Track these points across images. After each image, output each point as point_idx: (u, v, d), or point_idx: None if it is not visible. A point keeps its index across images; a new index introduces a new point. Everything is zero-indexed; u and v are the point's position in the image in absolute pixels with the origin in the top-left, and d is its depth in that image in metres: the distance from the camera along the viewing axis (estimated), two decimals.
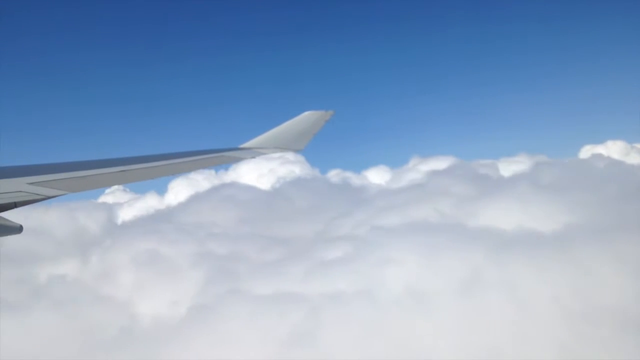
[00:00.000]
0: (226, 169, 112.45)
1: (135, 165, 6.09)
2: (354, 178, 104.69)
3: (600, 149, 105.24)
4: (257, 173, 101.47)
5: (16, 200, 4.12)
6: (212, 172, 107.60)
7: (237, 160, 7.62)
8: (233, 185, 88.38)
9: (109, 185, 5.28)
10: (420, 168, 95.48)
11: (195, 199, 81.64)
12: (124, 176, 5.60)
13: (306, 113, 10.08)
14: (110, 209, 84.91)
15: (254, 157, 7.97)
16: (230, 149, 8.12)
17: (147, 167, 6.17)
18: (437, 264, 41.76)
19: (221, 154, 7.57)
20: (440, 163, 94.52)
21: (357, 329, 35.42)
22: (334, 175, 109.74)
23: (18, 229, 3.89)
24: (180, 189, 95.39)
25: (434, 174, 79.89)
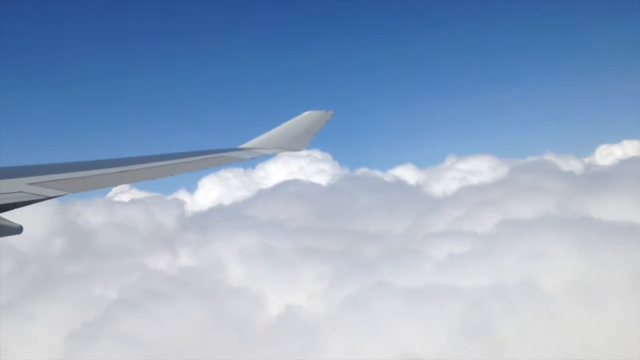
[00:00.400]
0: (253, 167, 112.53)
1: (136, 166, 6.10)
2: (387, 177, 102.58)
3: (616, 149, 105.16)
4: (286, 171, 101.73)
5: (16, 200, 4.12)
6: (241, 170, 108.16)
7: (237, 160, 7.62)
8: (295, 182, 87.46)
9: (109, 185, 5.28)
10: (459, 167, 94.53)
11: (262, 195, 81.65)
12: (124, 176, 5.60)
13: (306, 113, 10.08)
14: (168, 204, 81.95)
15: (254, 158, 7.97)
16: (230, 149, 8.11)
17: (147, 167, 6.17)
18: (594, 257, 40.33)
19: (221, 154, 7.57)
20: (480, 162, 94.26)
21: (532, 322, 34.60)
22: (364, 173, 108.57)
23: (18, 229, 3.89)
24: (212, 187, 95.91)
25: (516, 170, 76.56)
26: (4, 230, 3.84)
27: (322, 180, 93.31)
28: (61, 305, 42.13)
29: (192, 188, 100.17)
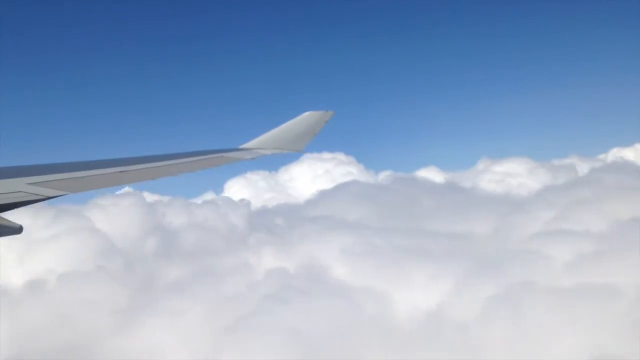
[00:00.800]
0: (276, 169, 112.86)
1: (135, 166, 6.10)
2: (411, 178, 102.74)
3: (628, 152, 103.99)
4: (312, 174, 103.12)
5: (16, 200, 4.12)
6: (267, 172, 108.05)
7: (237, 160, 7.62)
8: (354, 183, 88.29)
9: (109, 185, 5.27)
10: (495, 169, 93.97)
11: (324, 196, 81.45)
12: (124, 176, 5.60)
13: (306, 113, 10.08)
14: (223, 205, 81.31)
15: (254, 158, 7.97)
16: (230, 150, 8.12)
17: (147, 167, 6.17)
18: None
19: (221, 154, 7.57)
20: (516, 165, 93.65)
21: None
22: (389, 176, 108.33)
23: (18, 229, 3.88)
24: (239, 189, 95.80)
25: (596, 171, 75.38)
26: (4, 230, 3.83)
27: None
28: (200, 302, 42.49)
29: (218, 190, 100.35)
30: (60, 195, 4.52)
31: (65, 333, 39.67)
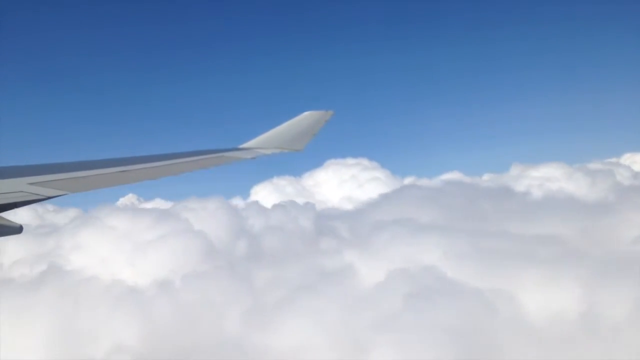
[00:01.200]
0: (300, 175, 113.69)
1: (136, 166, 6.10)
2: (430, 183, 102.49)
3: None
4: (338, 179, 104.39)
5: (16, 200, 4.12)
6: (293, 178, 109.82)
7: (237, 160, 7.62)
8: (413, 186, 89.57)
9: (109, 185, 5.28)
10: (531, 174, 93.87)
11: (386, 199, 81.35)
12: (124, 176, 5.60)
13: (306, 113, 10.08)
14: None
15: (254, 157, 7.96)
16: (230, 149, 8.12)
17: (147, 167, 6.18)
18: None
19: (221, 154, 7.58)
20: (552, 169, 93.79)
21: None
22: (413, 181, 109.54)
23: (18, 229, 3.89)
24: (267, 194, 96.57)
25: None
26: (4, 230, 3.84)
27: (378, 187, 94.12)
28: (330, 302, 42.20)
29: (245, 195, 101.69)
30: (61, 195, 4.53)
31: (201, 332, 40.47)
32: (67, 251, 57.29)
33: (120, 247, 56.23)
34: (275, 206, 77.52)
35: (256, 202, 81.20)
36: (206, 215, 65.55)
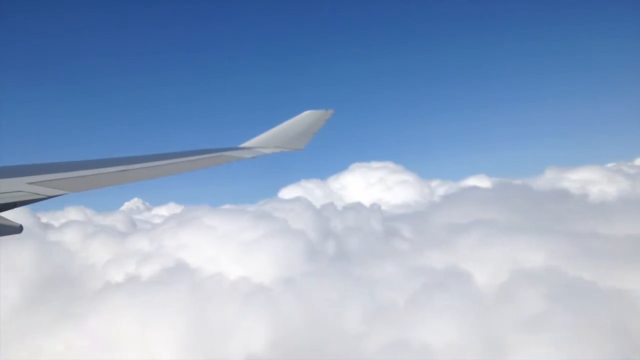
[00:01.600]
0: (325, 178, 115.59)
1: (135, 165, 6.10)
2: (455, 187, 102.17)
3: None
4: (364, 182, 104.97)
5: (16, 200, 4.12)
6: (319, 181, 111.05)
7: (237, 159, 7.61)
8: (474, 189, 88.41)
9: (109, 185, 5.27)
10: (570, 177, 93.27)
11: (449, 202, 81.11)
12: (124, 176, 5.60)
13: (306, 112, 10.09)
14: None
15: (254, 157, 7.96)
16: (230, 149, 8.12)
17: (147, 166, 6.17)
18: None
19: (221, 154, 7.58)
20: (589, 173, 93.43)
21: None
22: (440, 185, 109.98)
23: (18, 229, 3.88)
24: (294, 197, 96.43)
25: None
26: (4, 230, 3.83)
27: (408, 190, 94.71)
28: (450, 302, 41.30)
29: (273, 198, 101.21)
30: (61, 195, 4.52)
31: (332, 330, 40.26)
32: (174, 250, 57.06)
33: (226, 246, 55.96)
34: (345, 207, 77.71)
35: (331, 204, 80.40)
36: (297, 216, 65.60)
